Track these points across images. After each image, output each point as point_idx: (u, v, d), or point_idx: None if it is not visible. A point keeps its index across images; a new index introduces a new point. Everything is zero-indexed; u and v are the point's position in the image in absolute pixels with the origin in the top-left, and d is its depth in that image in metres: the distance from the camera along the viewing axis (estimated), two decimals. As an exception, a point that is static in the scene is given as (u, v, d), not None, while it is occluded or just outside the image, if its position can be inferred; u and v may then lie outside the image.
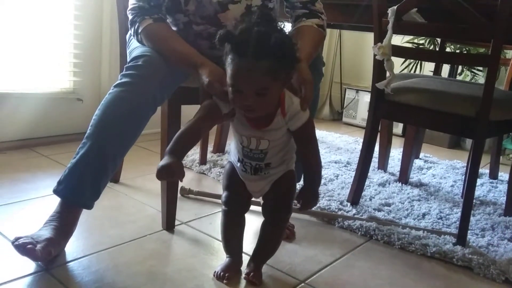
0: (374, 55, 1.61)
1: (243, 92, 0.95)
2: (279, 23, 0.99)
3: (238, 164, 1.13)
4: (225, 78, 0.99)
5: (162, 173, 0.95)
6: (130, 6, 1.29)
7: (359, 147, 1.82)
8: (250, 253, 1.24)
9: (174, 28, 1.33)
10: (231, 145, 1.17)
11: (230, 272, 1.17)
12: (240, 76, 0.95)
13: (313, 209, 1.66)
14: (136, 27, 1.27)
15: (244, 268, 1.22)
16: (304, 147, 1.09)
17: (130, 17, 1.29)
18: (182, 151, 1.02)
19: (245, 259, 1.25)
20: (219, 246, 1.36)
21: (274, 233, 1.20)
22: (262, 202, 1.19)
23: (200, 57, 1.17)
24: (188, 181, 1.91)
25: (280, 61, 0.95)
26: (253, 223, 1.52)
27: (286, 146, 1.10)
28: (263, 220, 1.19)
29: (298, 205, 1.13)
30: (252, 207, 1.59)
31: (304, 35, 1.27)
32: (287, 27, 1.40)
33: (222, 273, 1.17)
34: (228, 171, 1.17)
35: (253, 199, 1.20)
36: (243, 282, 1.18)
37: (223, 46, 0.97)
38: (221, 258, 1.27)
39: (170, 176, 0.96)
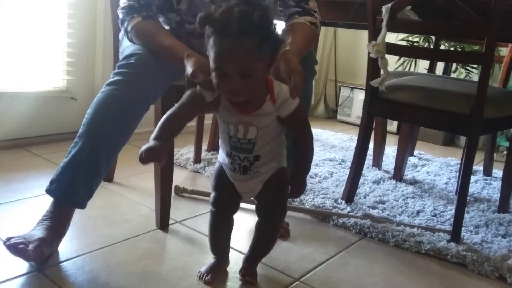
0: (369, 53, 1.61)
1: (228, 75, 0.93)
2: (260, 2, 0.97)
3: (227, 161, 1.10)
4: (210, 68, 0.97)
5: (146, 155, 0.94)
6: (120, 5, 1.30)
7: (354, 144, 1.82)
8: (244, 250, 1.24)
9: (166, 27, 1.33)
10: (220, 141, 1.13)
11: (213, 273, 1.16)
12: (223, 57, 0.92)
13: (307, 207, 1.67)
14: (125, 25, 1.27)
15: (236, 265, 1.21)
16: (298, 132, 1.08)
17: (120, 16, 1.30)
18: (166, 137, 1.01)
19: (239, 257, 1.25)
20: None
21: (269, 233, 1.18)
22: (255, 202, 1.17)
23: (187, 50, 1.15)
24: (182, 179, 1.90)
25: (264, 39, 0.92)
26: (248, 221, 1.52)
27: (275, 137, 1.07)
28: (257, 220, 1.17)
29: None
30: (248, 206, 1.60)
31: (295, 32, 1.26)
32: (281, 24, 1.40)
33: (205, 274, 1.16)
34: (217, 171, 1.15)
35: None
36: (237, 282, 1.18)
37: (204, 29, 0.95)
38: (215, 257, 1.26)
39: (152, 158, 0.95)
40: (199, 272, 1.17)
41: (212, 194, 1.15)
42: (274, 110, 1.02)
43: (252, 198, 1.17)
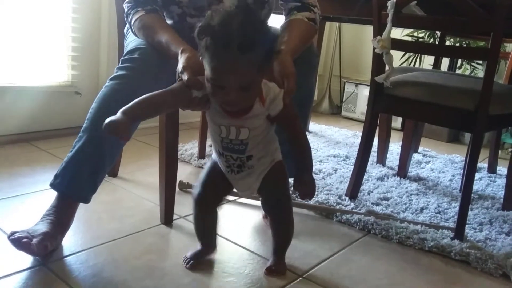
0: (374, 49, 1.60)
1: (226, 88, 0.91)
2: (257, 11, 0.96)
3: (220, 160, 1.10)
4: (201, 68, 0.96)
5: (108, 128, 0.91)
6: None
7: (358, 141, 1.81)
8: (249, 247, 1.23)
9: (169, 22, 1.32)
10: (211, 140, 1.12)
11: (196, 259, 1.20)
12: (223, 71, 0.90)
13: (311, 203, 1.67)
14: (130, 19, 1.27)
15: (240, 261, 1.21)
16: (290, 128, 1.07)
17: (125, 9, 1.30)
18: (137, 114, 0.97)
19: (243, 252, 1.25)
20: (217, 240, 1.36)
21: (282, 224, 1.19)
22: (259, 198, 1.18)
23: (182, 44, 1.14)
24: (186, 175, 1.91)
25: (264, 53, 0.91)
26: (253, 216, 1.52)
27: (266, 136, 1.07)
28: (268, 216, 1.19)
29: (297, 198, 1.11)
30: (251, 201, 1.60)
31: (293, 29, 1.26)
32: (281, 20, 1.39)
33: (189, 260, 1.19)
34: (209, 168, 1.15)
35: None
36: (241, 277, 1.18)
37: (202, 39, 0.92)
38: (219, 253, 1.26)
39: (113, 133, 0.92)
40: (184, 256, 1.20)
41: (197, 190, 1.15)
42: (265, 110, 1.01)
43: (255, 195, 1.17)
